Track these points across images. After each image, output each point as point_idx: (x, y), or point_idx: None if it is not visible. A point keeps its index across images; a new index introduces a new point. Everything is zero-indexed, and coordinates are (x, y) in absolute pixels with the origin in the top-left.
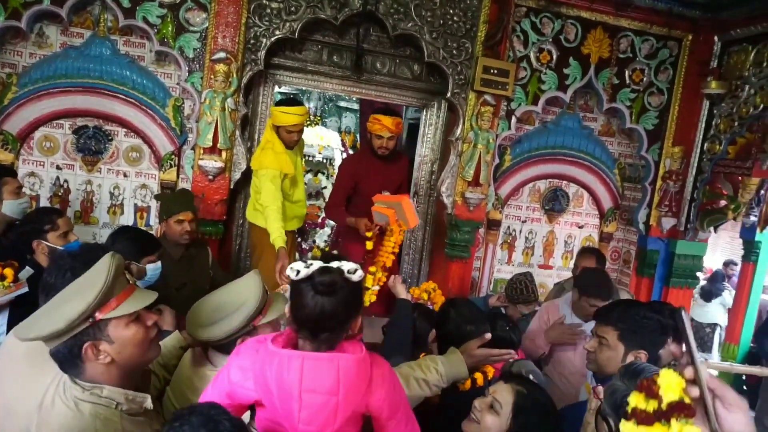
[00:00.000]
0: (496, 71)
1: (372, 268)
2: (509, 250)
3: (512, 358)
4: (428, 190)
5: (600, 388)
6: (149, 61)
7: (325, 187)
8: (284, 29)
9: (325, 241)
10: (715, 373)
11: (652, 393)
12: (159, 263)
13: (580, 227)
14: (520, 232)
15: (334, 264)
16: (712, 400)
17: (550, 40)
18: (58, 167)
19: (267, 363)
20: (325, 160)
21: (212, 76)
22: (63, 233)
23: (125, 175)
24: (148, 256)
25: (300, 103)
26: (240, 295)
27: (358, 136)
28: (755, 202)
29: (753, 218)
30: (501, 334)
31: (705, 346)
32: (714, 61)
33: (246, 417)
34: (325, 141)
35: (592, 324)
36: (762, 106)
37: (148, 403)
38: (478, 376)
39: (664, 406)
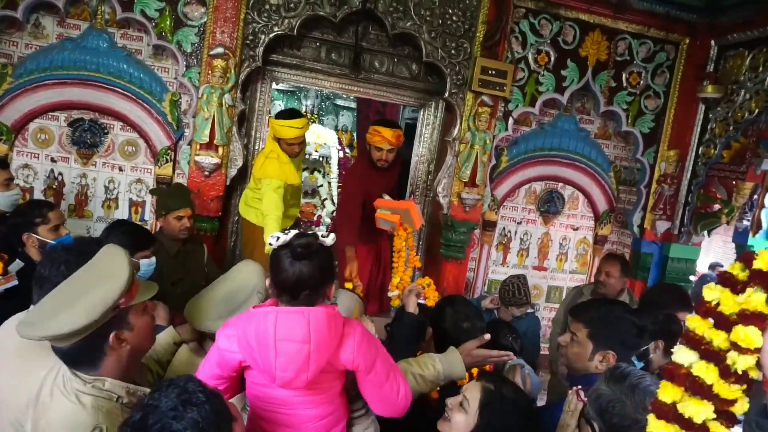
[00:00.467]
0: (494, 72)
1: (395, 280)
2: (504, 252)
3: (510, 359)
4: (424, 190)
5: (580, 391)
6: (146, 54)
7: (321, 185)
8: (283, 26)
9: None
10: None
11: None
12: (153, 258)
13: (575, 229)
14: (516, 233)
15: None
16: None
17: (549, 41)
18: (52, 160)
19: (248, 323)
20: (321, 158)
21: (210, 72)
22: (54, 226)
23: (120, 169)
24: (142, 251)
25: (300, 115)
26: (248, 281)
27: (354, 135)
28: (749, 207)
29: (746, 222)
30: (503, 342)
31: None
32: (710, 66)
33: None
34: (322, 139)
35: None
36: (757, 110)
37: None
38: (475, 372)
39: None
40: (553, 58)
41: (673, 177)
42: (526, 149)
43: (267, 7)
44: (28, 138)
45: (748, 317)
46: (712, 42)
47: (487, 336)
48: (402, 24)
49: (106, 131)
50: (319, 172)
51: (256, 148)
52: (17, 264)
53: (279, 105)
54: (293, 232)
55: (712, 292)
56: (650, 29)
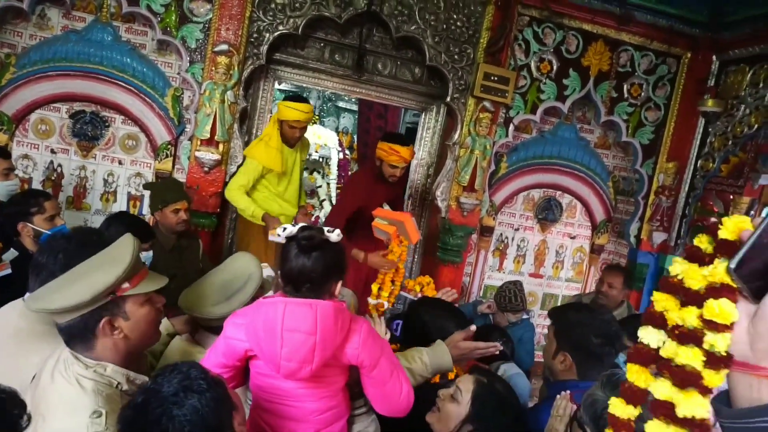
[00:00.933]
0: (496, 78)
1: (374, 286)
2: (501, 257)
3: (498, 350)
4: (423, 193)
5: (568, 393)
6: (150, 49)
7: (320, 186)
8: (288, 25)
9: None
10: None
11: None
12: (151, 252)
13: (572, 238)
14: (513, 239)
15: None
16: None
17: (552, 50)
18: (52, 151)
19: (256, 312)
20: (321, 159)
21: (213, 68)
22: (49, 216)
23: (120, 163)
24: (141, 243)
25: (306, 101)
26: (243, 270)
27: (355, 137)
28: None
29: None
30: None
31: None
32: (711, 80)
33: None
34: (323, 140)
35: None
36: (756, 126)
37: None
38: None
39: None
40: (555, 67)
41: (671, 189)
42: (525, 156)
43: (273, 5)
44: (28, 128)
45: (717, 290)
46: (714, 57)
47: (473, 327)
48: (406, 27)
49: (107, 124)
50: (319, 172)
51: None
52: (12, 253)
53: None
54: (300, 224)
55: (677, 266)
56: (653, 42)
